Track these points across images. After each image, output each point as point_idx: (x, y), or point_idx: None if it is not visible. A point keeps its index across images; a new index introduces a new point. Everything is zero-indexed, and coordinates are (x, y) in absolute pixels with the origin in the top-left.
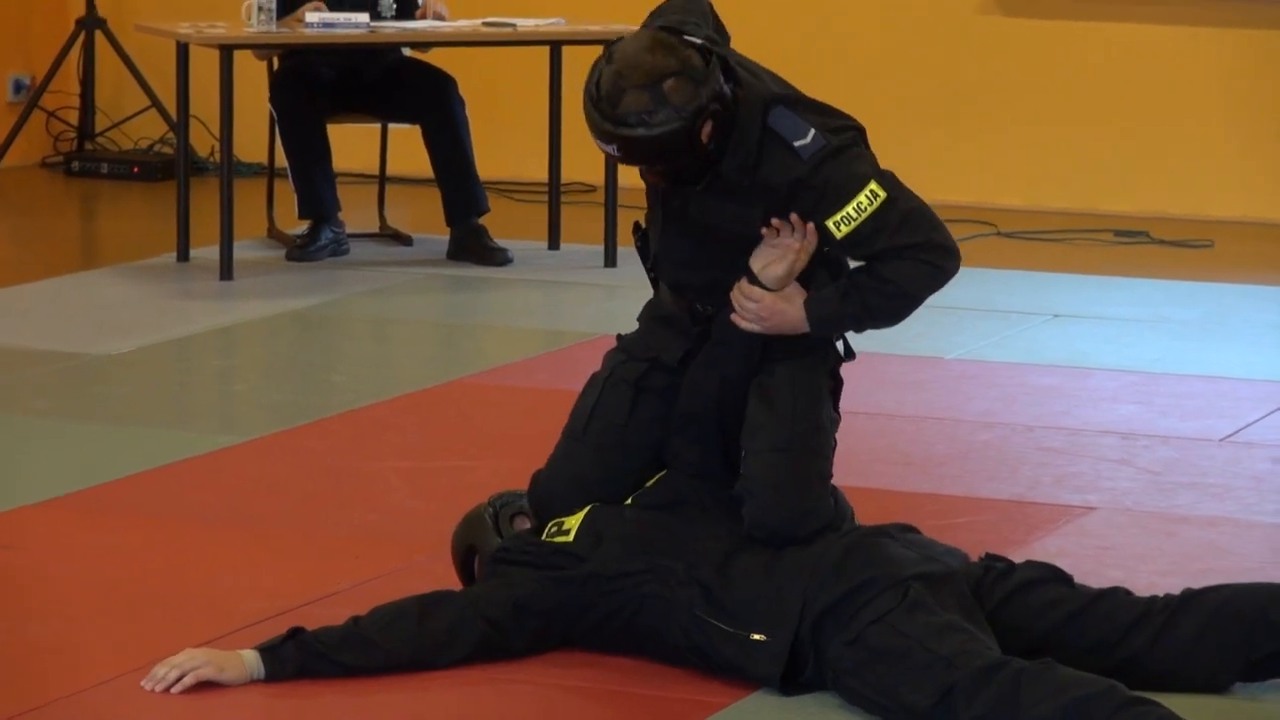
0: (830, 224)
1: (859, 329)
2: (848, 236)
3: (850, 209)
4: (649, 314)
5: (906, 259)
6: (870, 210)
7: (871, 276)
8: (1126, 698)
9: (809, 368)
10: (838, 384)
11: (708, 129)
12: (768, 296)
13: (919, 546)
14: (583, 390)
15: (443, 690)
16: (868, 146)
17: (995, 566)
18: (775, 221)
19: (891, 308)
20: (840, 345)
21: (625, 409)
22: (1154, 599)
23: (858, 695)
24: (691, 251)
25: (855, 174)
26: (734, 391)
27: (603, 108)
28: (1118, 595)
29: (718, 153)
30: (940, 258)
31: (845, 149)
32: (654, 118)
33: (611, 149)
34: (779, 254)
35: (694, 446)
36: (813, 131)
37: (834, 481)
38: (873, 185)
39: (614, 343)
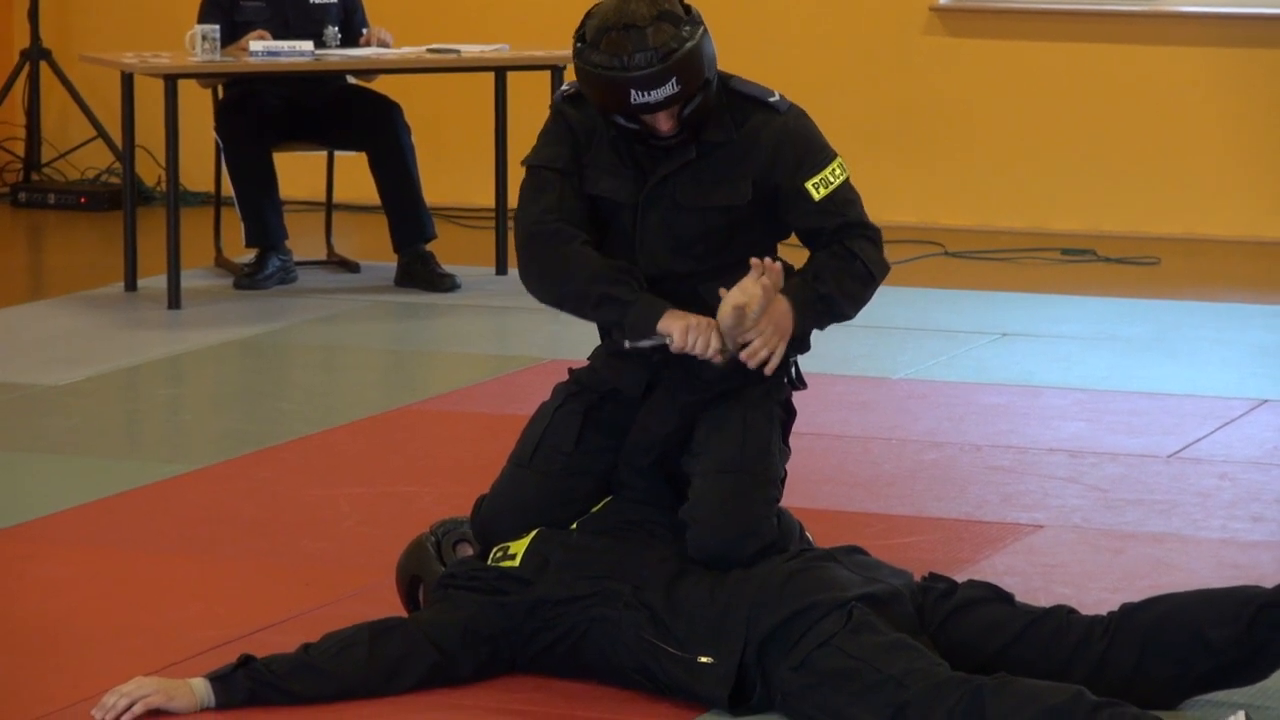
0: (810, 185)
1: (828, 313)
2: (824, 200)
3: (827, 173)
4: (604, 351)
5: (866, 239)
6: (841, 180)
7: (836, 256)
8: (1096, 701)
9: (760, 396)
10: (790, 415)
11: None
12: (761, 316)
13: (864, 568)
14: (531, 418)
15: (392, 716)
16: None
17: (935, 587)
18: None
19: (855, 289)
20: (792, 371)
21: (572, 438)
22: (1094, 621)
23: (806, 718)
24: (674, 241)
25: (825, 144)
26: (691, 419)
27: (640, 60)
28: (1058, 616)
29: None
30: (883, 251)
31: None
32: (682, 30)
33: (668, 88)
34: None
35: (642, 475)
36: (777, 92)
37: (781, 503)
38: (839, 160)
39: (562, 368)
